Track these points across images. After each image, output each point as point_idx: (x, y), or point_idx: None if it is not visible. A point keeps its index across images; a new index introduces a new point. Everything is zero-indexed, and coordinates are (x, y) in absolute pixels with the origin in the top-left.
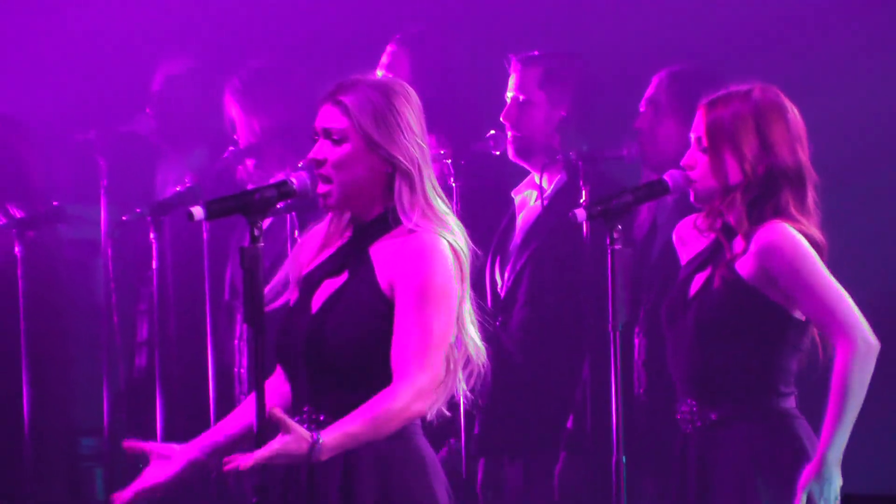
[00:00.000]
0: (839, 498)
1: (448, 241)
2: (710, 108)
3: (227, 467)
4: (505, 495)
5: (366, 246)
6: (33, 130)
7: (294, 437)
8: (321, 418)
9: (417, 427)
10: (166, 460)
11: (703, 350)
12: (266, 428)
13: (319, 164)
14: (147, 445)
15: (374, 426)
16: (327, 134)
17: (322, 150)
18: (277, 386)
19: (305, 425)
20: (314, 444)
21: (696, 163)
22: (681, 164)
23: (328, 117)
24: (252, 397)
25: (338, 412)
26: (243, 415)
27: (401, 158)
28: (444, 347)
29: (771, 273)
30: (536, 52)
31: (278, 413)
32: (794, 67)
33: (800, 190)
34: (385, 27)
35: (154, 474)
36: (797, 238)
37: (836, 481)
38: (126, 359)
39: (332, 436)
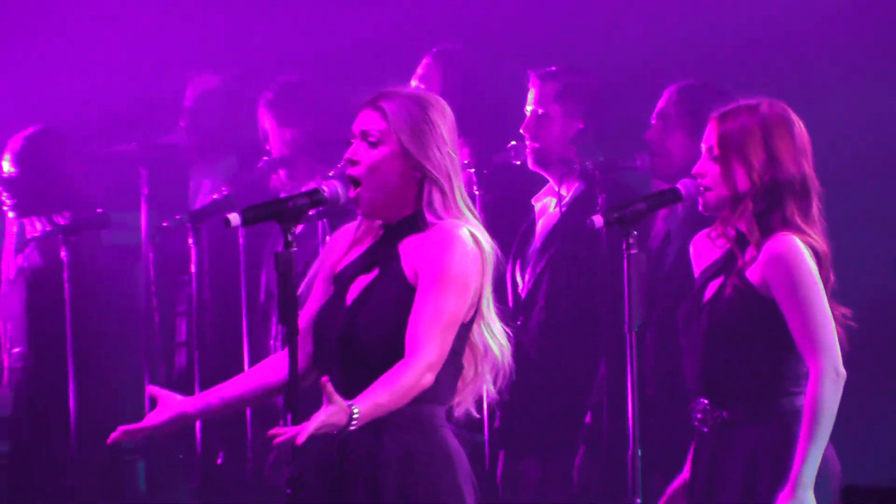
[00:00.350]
0: None
1: (471, 232)
2: (720, 120)
3: (276, 441)
4: (524, 487)
5: (395, 243)
6: (79, 143)
7: (337, 408)
8: None
9: (443, 421)
10: (163, 408)
11: (715, 354)
12: (298, 415)
13: (353, 164)
14: (158, 391)
15: (396, 398)
16: (364, 136)
17: (358, 151)
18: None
19: None
20: (352, 415)
21: (707, 171)
22: (692, 172)
23: (367, 120)
24: (252, 371)
25: None
26: (241, 384)
27: (433, 167)
28: (455, 328)
29: (769, 281)
30: (553, 69)
31: (330, 386)
32: (798, 75)
33: (804, 200)
34: (413, 43)
35: (148, 418)
36: (803, 253)
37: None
38: (166, 358)
39: (365, 406)
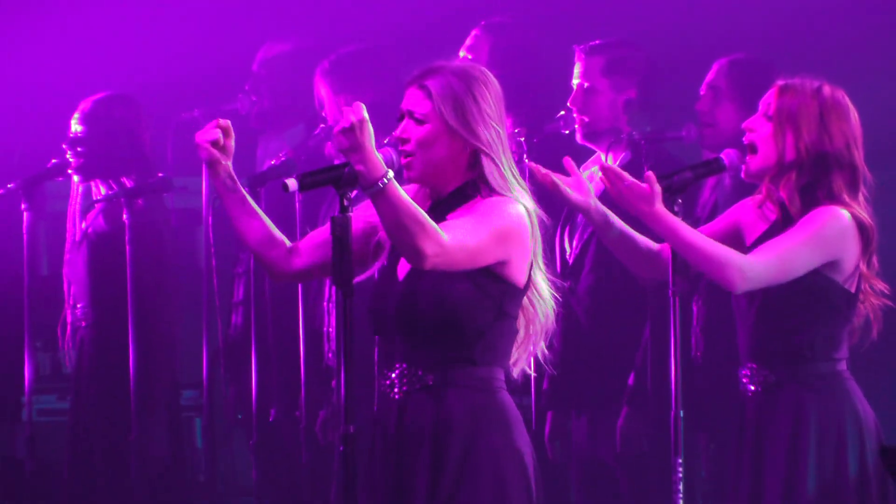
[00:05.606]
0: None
1: (524, 205)
2: (782, 91)
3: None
4: (571, 446)
5: (445, 215)
6: (145, 109)
7: (373, 158)
8: (419, 373)
9: (502, 382)
10: (223, 151)
11: (765, 321)
12: (352, 388)
13: (404, 141)
14: (228, 128)
15: (414, 219)
16: (411, 115)
17: (406, 129)
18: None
19: (403, 380)
20: (388, 174)
21: (758, 128)
22: (742, 126)
23: (412, 100)
24: (273, 234)
25: (433, 367)
26: (264, 224)
27: (479, 141)
28: (476, 262)
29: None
30: (598, 42)
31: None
32: (842, 56)
33: (851, 179)
34: (466, 16)
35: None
36: (839, 219)
37: None
38: (224, 318)
39: (398, 188)
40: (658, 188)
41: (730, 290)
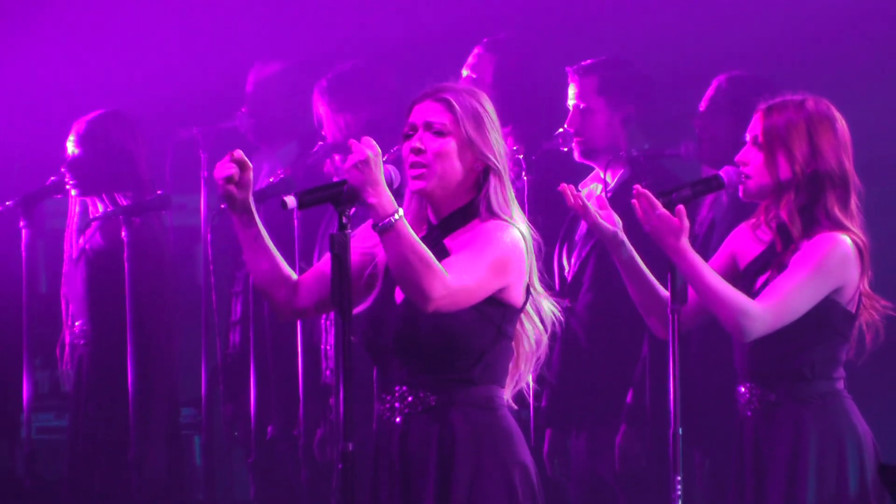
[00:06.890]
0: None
1: (521, 231)
2: (766, 113)
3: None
4: (569, 463)
5: (441, 239)
6: (143, 127)
7: (386, 193)
8: (420, 394)
9: (502, 401)
10: (240, 186)
11: (763, 342)
12: (351, 405)
13: (419, 152)
14: (244, 163)
15: (422, 259)
16: (429, 126)
17: (423, 139)
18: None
19: (405, 402)
20: (399, 212)
21: (750, 160)
22: (735, 159)
23: (431, 111)
24: (283, 268)
25: (434, 388)
26: (275, 260)
27: (493, 158)
28: (478, 296)
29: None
30: (590, 62)
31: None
32: (839, 71)
33: (844, 193)
34: (464, 34)
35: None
36: (840, 247)
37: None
38: (222, 336)
39: (408, 226)
40: (687, 223)
41: (739, 339)
